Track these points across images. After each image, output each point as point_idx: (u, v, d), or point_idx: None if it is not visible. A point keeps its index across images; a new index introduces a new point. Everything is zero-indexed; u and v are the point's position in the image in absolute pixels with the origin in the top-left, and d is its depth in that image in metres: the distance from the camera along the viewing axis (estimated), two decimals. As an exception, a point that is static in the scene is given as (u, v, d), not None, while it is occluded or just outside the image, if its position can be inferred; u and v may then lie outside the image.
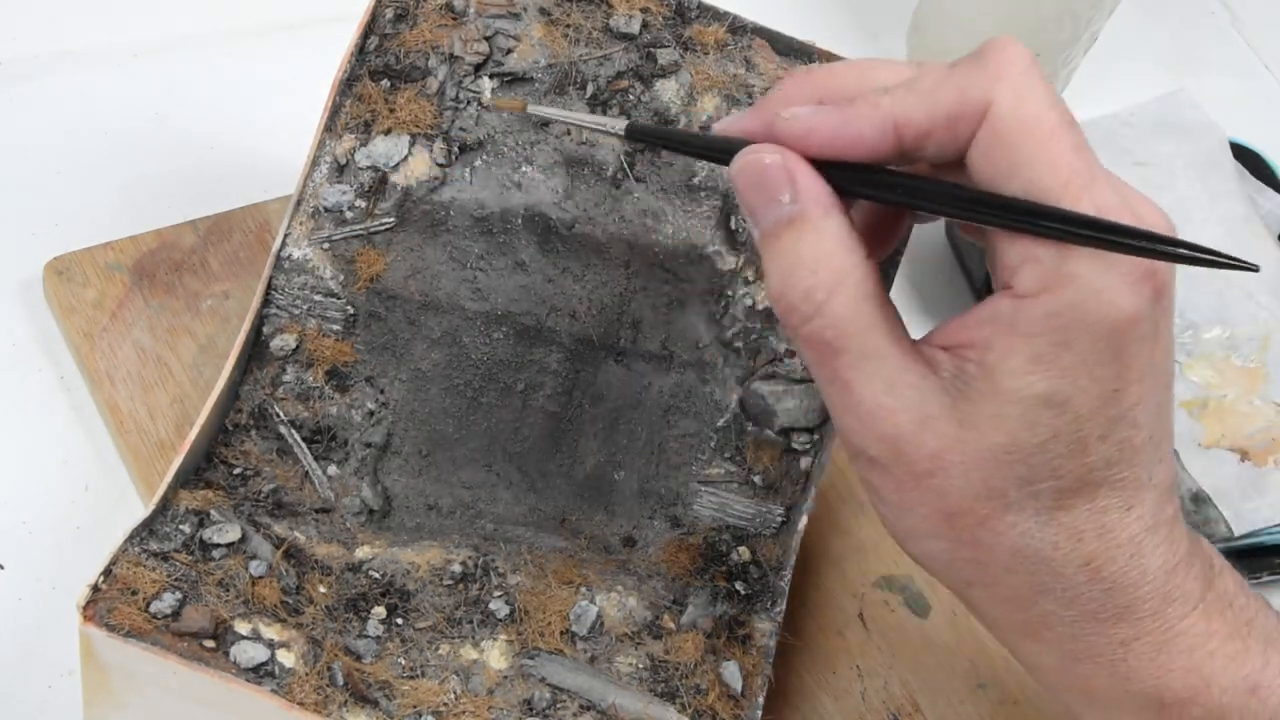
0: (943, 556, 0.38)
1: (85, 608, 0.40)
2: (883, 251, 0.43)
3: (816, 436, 0.49)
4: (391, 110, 0.50)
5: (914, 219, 0.43)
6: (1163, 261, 0.34)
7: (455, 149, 0.50)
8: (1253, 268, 0.34)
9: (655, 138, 0.47)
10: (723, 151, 0.38)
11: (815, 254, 0.36)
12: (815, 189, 0.36)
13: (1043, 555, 0.36)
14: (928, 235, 0.67)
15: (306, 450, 0.48)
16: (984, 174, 0.35)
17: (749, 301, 0.50)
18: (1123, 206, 0.35)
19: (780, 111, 0.37)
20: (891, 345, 0.36)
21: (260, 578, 0.44)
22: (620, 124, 0.42)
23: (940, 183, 0.37)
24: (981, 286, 0.63)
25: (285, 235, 0.49)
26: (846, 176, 0.37)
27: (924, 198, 0.37)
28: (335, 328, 0.49)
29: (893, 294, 0.48)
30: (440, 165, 0.50)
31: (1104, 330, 0.34)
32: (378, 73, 0.50)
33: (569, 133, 0.50)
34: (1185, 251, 0.34)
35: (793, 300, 0.36)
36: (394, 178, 0.50)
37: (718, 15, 0.51)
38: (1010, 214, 0.34)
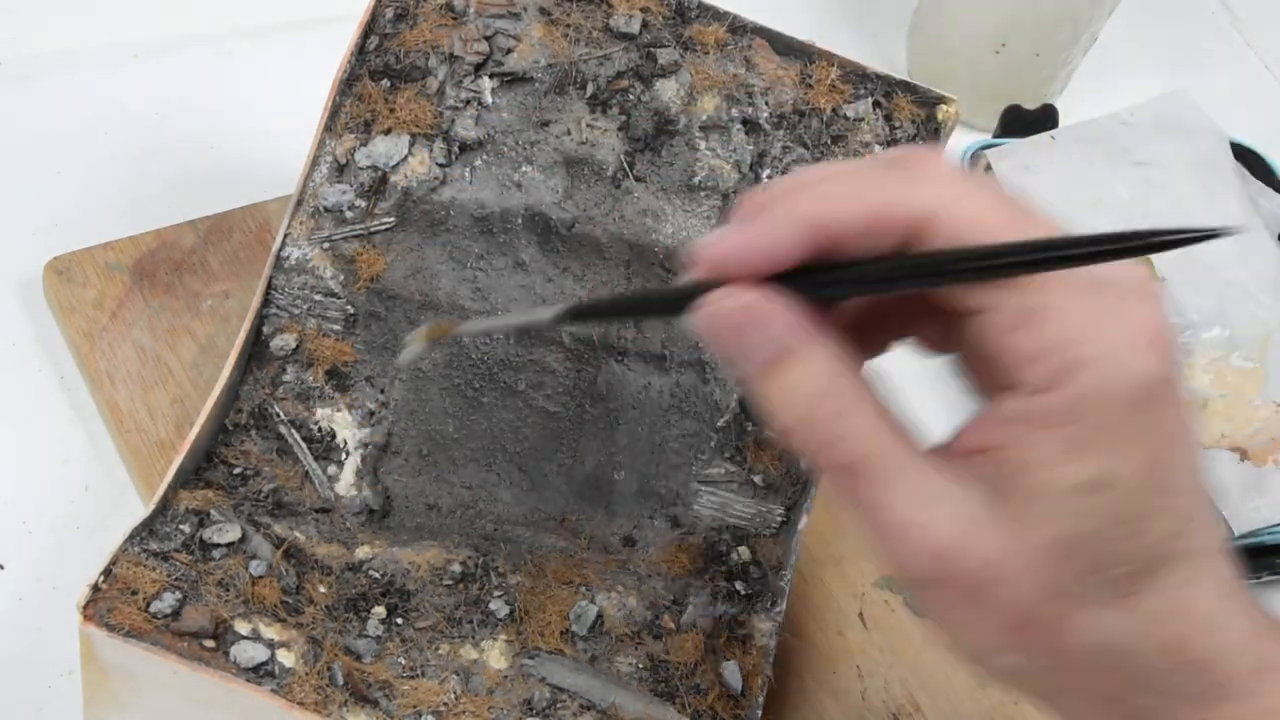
0: (1023, 670, 0.36)
1: (85, 608, 0.40)
2: (889, 343, 0.41)
3: (816, 436, 0.49)
4: (391, 110, 0.50)
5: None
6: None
7: (455, 149, 0.50)
8: (1230, 231, 0.32)
9: (601, 312, 0.43)
10: (675, 302, 0.36)
11: (816, 383, 0.35)
12: (793, 319, 0.35)
13: (1127, 647, 0.34)
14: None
15: (306, 450, 0.48)
16: None
17: (749, 301, 0.50)
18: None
19: (702, 241, 0.36)
20: (916, 459, 0.35)
21: (260, 578, 0.44)
22: (557, 309, 0.37)
23: (901, 258, 0.35)
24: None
25: (285, 235, 0.49)
26: (812, 281, 0.35)
27: (899, 276, 0.35)
28: (335, 328, 0.49)
29: (893, 294, 0.48)
30: (440, 165, 0.50)
31: (1135, 402, 0.33)
32: (378, 73, 0.50)
33: (569, 132, 0.50)
34: (1190, 234, 0.32)
35: (807, 432, 0.35)
36: (394, 178, 0.50)
37: (718, 15, 0.51)
38: (999, 259, 0.33)
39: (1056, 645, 0.35)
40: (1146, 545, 0.34)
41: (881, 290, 0.37)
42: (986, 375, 0.36)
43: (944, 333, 0.38)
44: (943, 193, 0.34)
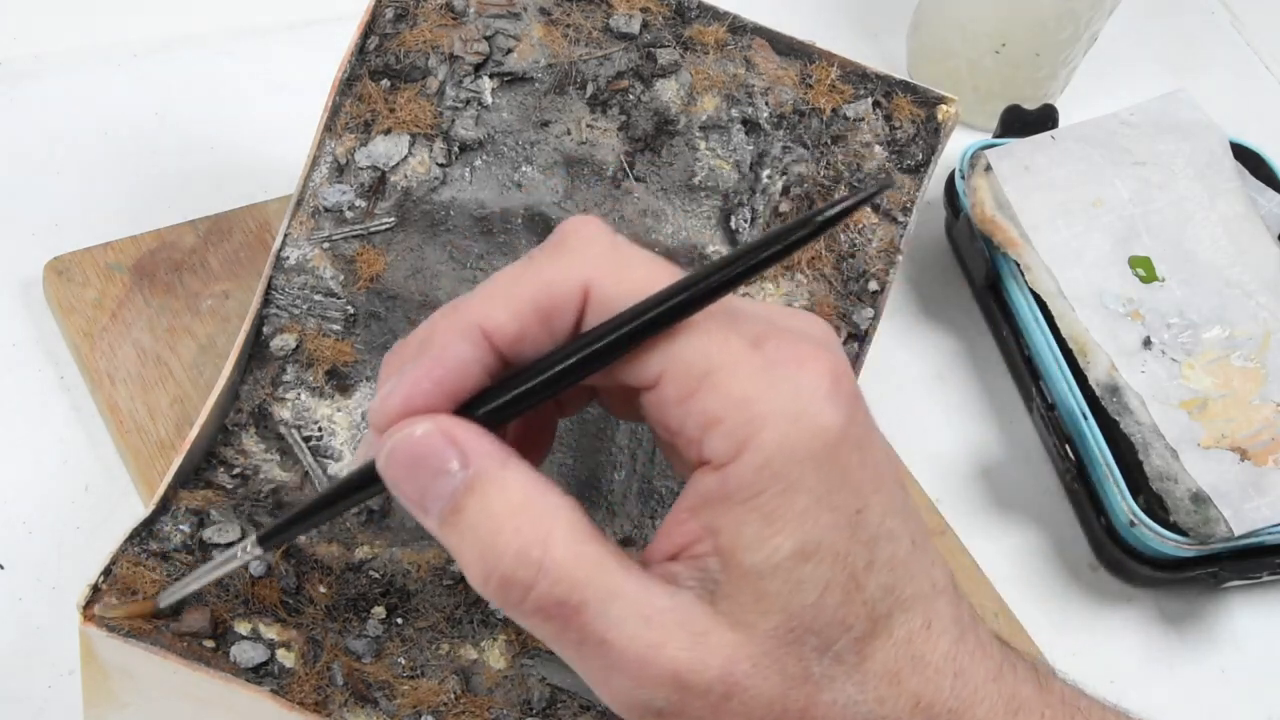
0: None
1: (85, 608, 0.40)
2: (542, 453, 0.38)
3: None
4: (391, 110, 0.50)
5: (561, 412, 0.37)
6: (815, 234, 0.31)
7: (455, 149, 0.50)
8: (889, 185, 0.31)
9: (290, 527, 0.37)
10: (365, 480, 0.33)
11: (511, 510, 0.31)
12: (481, 442, 0.31)
13: (875, 716, 0.32)
14: (928, 235, 0.67)
15: (306, 450, 0.48)
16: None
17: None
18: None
19: (374, 405, 0.32)
20: (628, 577, 0.31)
21: (260, 578, 0.44)
22: (250, 541, 0.36)
23: (566, 347, 0.32)
24: (982, 286, 0.63)
25: (285, 235, 0.49)
26: (488, 407, 0.32)
27: (571, 374, 0.32)
28: (335, 328, 0.49)
29: (893, 295, 0.48)
30: (440, 165, 0.50)
31: (821, 455, 0.30)
32: (378, 73, 0.50)
33: (569, 132, 0.50)
34: (836, 211, 0.31)
35: (506, 571, 0.31)
36: (394, 178, 0.50)
37: (718, 15, 0.51)
38: (669, 312, 0.31)
39: None
40: (865, 602, 0.32)
41: (557, 390, 0.32)
42: (680, 456, 0.33)
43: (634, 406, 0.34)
44: (589, 265, 0.32)
